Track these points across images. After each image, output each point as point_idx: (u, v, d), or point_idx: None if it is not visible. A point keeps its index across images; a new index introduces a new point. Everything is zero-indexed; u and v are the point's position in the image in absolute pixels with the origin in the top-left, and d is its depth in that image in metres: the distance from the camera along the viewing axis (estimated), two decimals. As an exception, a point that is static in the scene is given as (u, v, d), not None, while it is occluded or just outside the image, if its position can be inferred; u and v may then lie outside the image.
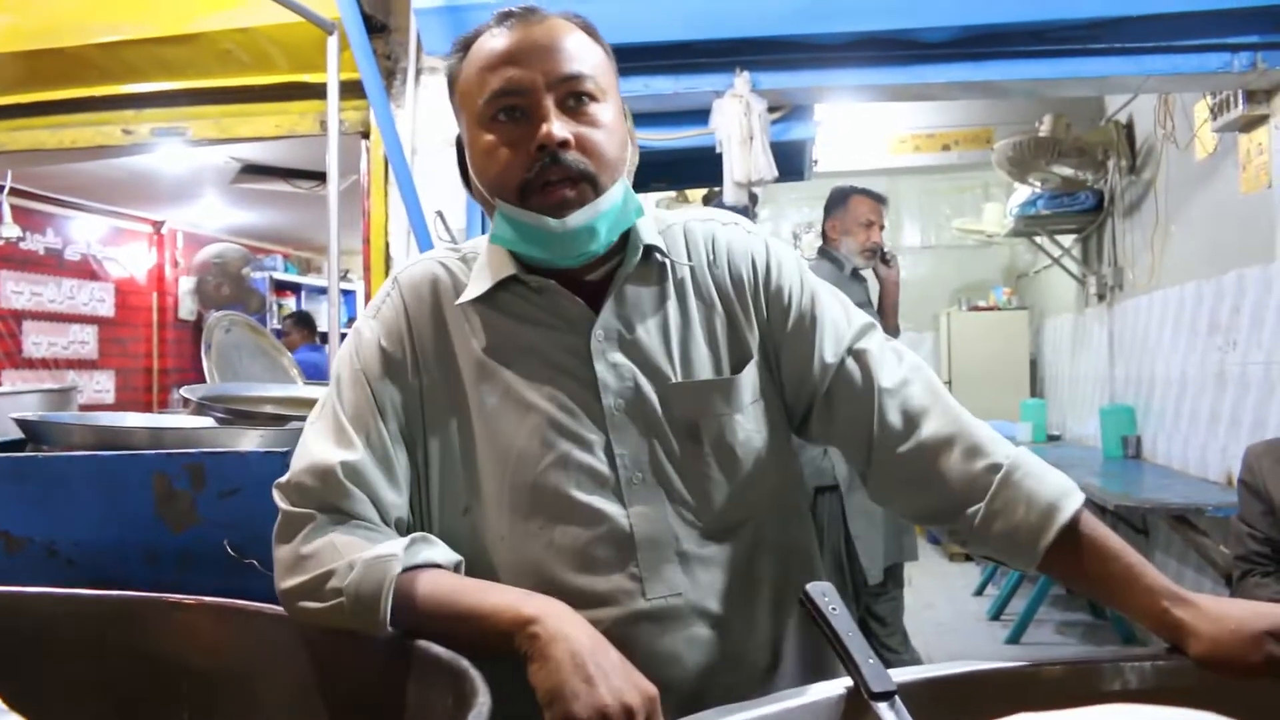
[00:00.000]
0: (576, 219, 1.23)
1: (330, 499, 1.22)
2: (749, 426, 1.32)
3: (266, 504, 1.27)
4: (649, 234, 1.33)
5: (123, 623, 1.30)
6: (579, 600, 1.19)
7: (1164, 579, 1.19)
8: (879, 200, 4.34)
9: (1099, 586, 1.23)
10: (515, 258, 1.31)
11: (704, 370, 1.32)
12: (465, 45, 1.30)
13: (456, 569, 1.21)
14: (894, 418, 1.31)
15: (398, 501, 1.27)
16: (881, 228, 4.31)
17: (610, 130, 1.27)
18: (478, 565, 1.27)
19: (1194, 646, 1.13)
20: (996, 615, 5.98)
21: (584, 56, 1.26)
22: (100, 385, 7.63)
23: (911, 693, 1.03)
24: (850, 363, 1.34)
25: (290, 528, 1.22)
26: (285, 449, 1.44)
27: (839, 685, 1.06)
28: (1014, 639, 5.50)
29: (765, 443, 1.34)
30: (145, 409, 7.72)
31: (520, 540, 1.27)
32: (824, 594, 1.12)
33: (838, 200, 4.36)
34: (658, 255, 1.33)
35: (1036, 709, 0.97)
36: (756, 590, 1.32)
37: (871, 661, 1.04)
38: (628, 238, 1.32)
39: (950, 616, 6.13)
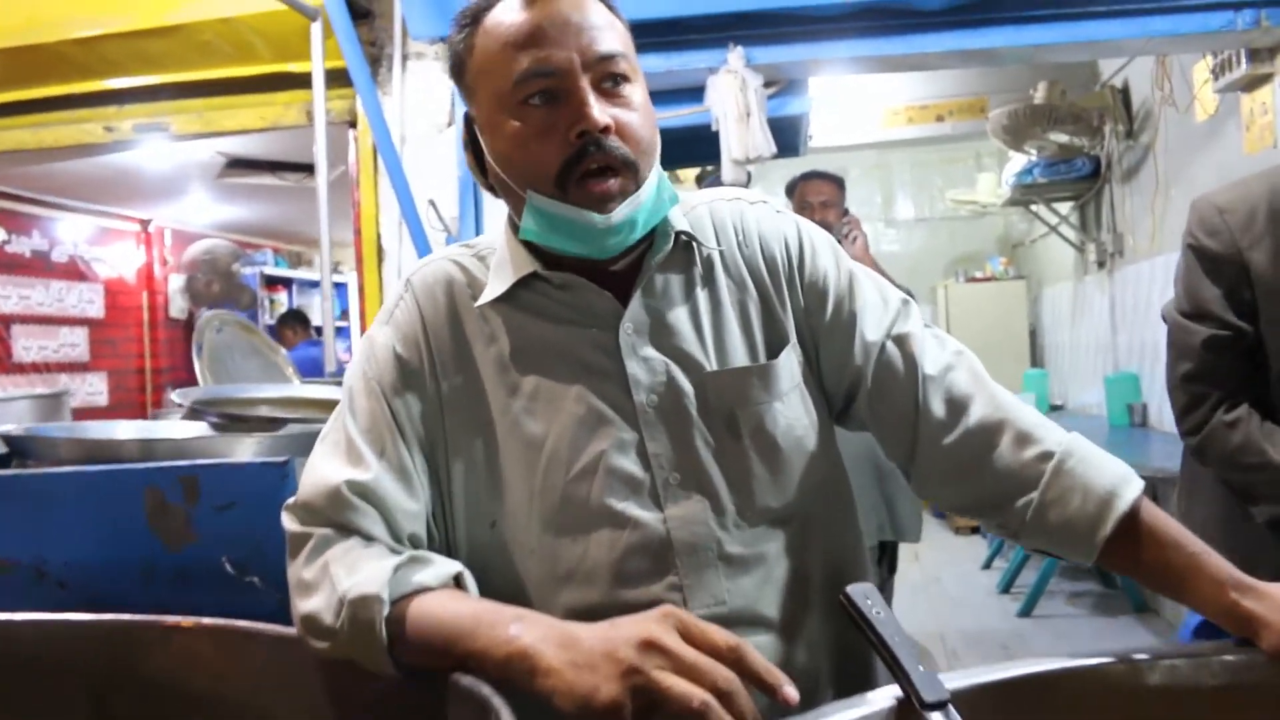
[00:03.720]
0: (621, 213, 1.15)
1: (335, 517, 1.14)
2: (789, 415, 1.25)
3: (265, 518, 1.20)
4: (677, 219, 1.26)
5: (117, 648, 1.23)
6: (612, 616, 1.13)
7: (1230, 567, 1.11)
8: (827, 179, 4.19)
9: (1160, 578, 1.16)
10: (536, 253, 1.23)
11: (739, 357, 1.24)
12: (475, 18, 1.20)
13: (458, 581, 1.11)
14: (937, 405, 1.24)
15: (416, 513, 1.19)
16: (831, 205, 4.15)
17: (644, 113, 1.19)
18: (508, 581, 1.20)
19: (1267, 639, 1.06)
20: (1007, 588, 5.92)
21: (615, 32, 1.18)
22: (93, 388, 7.54)
23: (966, 700, 0.96)
24: (891, 347, 1.27)
25: (294, 548, 1.15)
26: (283, 458, 1.37)
27: (888, 695, 0.99)
28: (1025, 612, 5.44)
29: (807, 432, 1.26)
30: (140, 410, 7.65)
31: (551, 554, 1.19)
32: (866, 595, 1.04)
33: (788, 192, 4.27)
34: (686, 239, 1.26)
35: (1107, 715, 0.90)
36: (806, 593, 1.24)
37: (921, 668, 0.97)
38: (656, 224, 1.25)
39: (959, 591, 6.08)
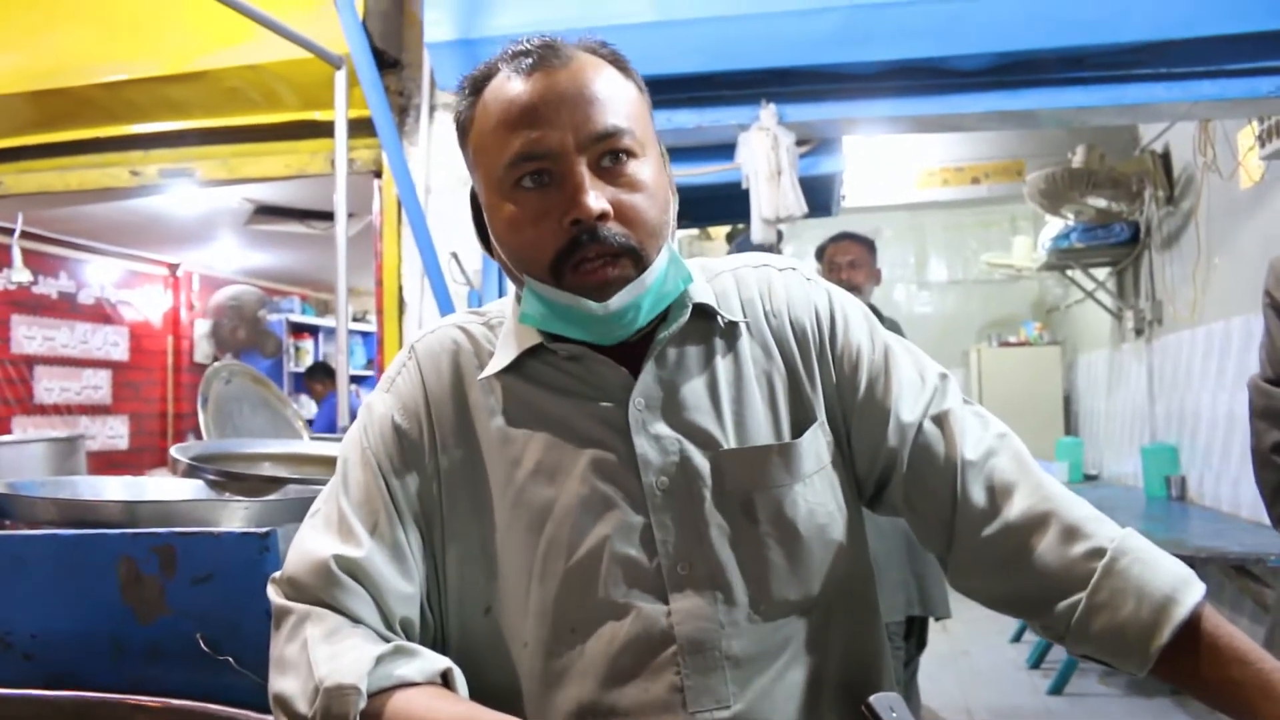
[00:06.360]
0: (620, 300, 1.07)
1: (322, 595, 1.07)
2: (812, 499, 1.15)
3: (243, 592, 1.13)
4: (699, 290, 1.18)
5: (79, 729, 1.14)
6: (608, 718, 1.02)
7: None
8: (855, 239, 4.19)
9: (1223, 697, 1.04)
10: None
11: (762, 434, 1.15)
12: (476, 87, 1.13)
13: (445, 679, 1.03)
14: (977, 494, 1.14)
15: (409, 595, 1.11)
16: (860, 265, 4.13)
17: (652, 191, 1.10)
18: (500, 675, 1.11)
19: None
20: (1037, 663, 5.75)
21: (618, 103, 1.09)
22: (114, 431, 7.51)
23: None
24: (929, 428, 1.17)
25: (276, 622, 1.08)
26: (264, 529, 1.27)
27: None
28: (1057, 689, 5.27)
29: (832, 519, 1.16)
30: (160, 454, 7.59)
31: (546, 649, 1.10)
32: (891, 707, 0.94)
33: (818, 256, 4.30)
34: (708, 311, 1.18)
35: None
36: (820, 693, 1.14)
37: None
38: None
39: (987, 665, 5.90)
